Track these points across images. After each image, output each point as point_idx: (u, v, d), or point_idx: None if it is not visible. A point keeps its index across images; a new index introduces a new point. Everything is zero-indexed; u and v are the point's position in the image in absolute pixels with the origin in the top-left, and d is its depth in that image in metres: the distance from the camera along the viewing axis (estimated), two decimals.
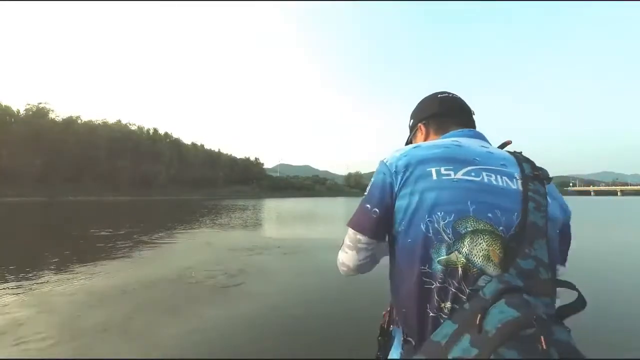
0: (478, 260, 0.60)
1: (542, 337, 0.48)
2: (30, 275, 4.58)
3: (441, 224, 0.62)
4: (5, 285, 4.11)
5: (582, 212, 22.13)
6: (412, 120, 0.93)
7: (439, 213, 0.63)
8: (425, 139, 0.87)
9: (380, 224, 0.70)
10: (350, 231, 0.74)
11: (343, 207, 26.59)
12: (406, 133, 0.99)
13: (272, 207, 26.08)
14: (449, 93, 0.89)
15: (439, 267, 0.61)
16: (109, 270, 4.94)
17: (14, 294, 3.76)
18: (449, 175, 0.66)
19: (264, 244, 7.60)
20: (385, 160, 0.74)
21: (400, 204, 0.67)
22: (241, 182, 76.07)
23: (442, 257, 0.61)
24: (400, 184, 0.68)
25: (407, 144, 0.95)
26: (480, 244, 0.61)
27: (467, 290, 0.59)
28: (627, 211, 23.00)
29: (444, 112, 0.86)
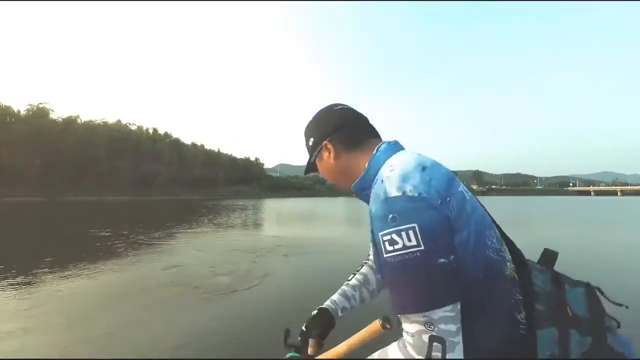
0: (512, 262, 0.62)
1: (600, 294, 0.56)
2: (29, 276, 4.57)
3: (495, 243, 0.59)
4: (6, 286, 4.10)
5: (582, 212, 22.15)
6: (311, 139, 0.78)
7: (488, 232, 0.59)
8: (336, 158, 0.74)
9: None
10: (446, 309, 0.50)
11: (343, 207, 26.57)
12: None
13: (273, 207, 26.07)
14: (342, 104, 0.79)
15: (509, 285, 0.58)
16: (108, 272, 4.93)
17: (14, 296, 3.76)
18: (468, 192, 0.63)
19: (265, 244, 7.60)
20: (412, 192, 0.54)
21: (461, 236, 0.55)
22: (241, 182, 75.97)
23: (508, 274, 0.59)
24: (453, 213, 0.55)
25: (309, 166, 0.83)
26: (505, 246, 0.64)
27: (519, 290, 0.59)
28: (627, 211, 22.99)
29: (348, 124, 0.75)
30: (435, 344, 0.49)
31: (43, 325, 2.92)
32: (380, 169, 0.64)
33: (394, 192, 0.55)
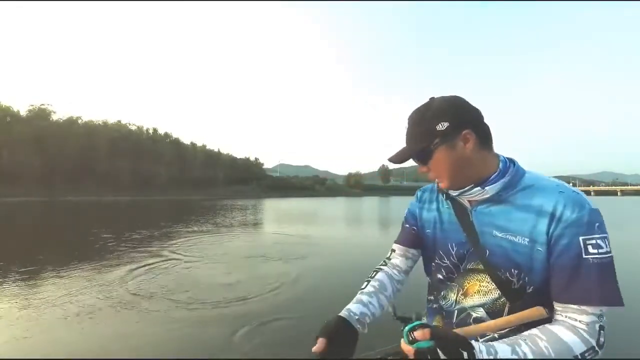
0: None
1: None
2: (27, 278, 4.58)
3: None
4: (5, 287, 4.11)
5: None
6: (444, 124, 0.69)
7: None
8: (473, 150, 0.71)
9: None
10: None
11: (343, 207, 26.51)
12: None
13: (272, 207, 26.03)
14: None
15: None
16: (108, 276, 4.93)
17: (12, 298, 3.77)
18: None
19: (264, 245, 7.62)
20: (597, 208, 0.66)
21: None
22: (241, 182, 75.70)
23: None
24: None
25: (420, 153, 0.73)
26: None
27: None
28: (628, 211, 22.97)
29: (483, 121, 0.74)
30: (601, 331, 0.61)
31: (40, 329, 2.93)
32: (521, 178, 0.72)
33: (594, 206, 0.65)
